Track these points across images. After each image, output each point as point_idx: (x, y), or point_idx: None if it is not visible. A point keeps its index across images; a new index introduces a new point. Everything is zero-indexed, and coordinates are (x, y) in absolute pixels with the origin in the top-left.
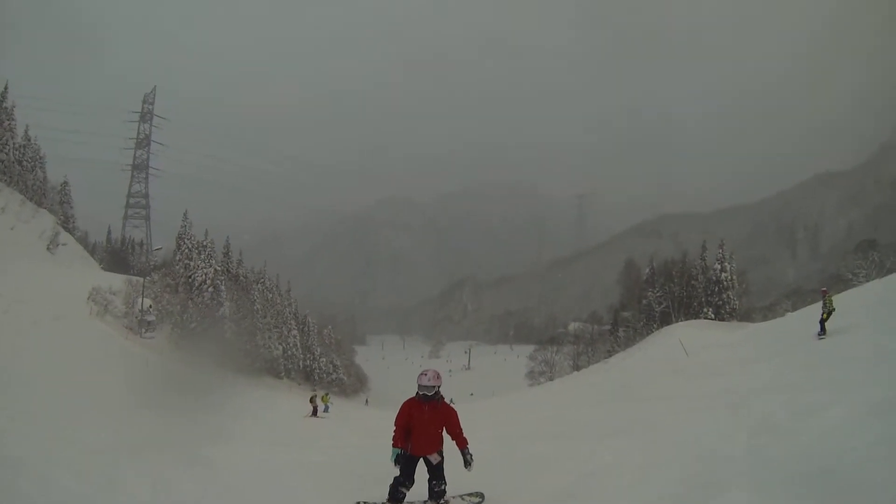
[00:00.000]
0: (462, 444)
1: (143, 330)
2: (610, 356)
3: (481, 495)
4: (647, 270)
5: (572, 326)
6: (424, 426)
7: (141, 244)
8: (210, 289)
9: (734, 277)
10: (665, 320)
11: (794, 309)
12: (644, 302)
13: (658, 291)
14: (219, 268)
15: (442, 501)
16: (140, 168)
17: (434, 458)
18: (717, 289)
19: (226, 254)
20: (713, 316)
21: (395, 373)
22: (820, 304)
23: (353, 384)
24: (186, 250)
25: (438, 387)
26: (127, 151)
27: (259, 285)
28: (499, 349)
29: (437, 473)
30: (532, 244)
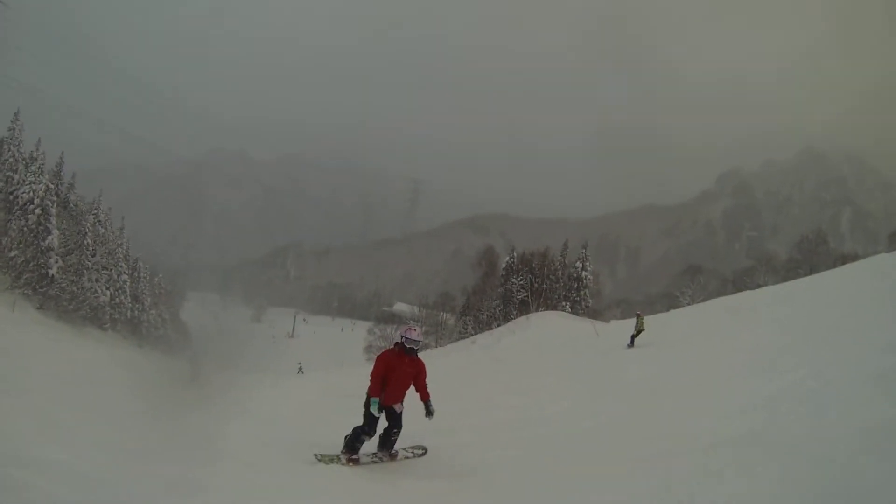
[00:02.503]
0: (426, 396)
1: None
2: (463, 337)
3: (424, 448)
4: (508, 259)
5: (398, 307)
6: (402, 377)
7: None
8: (38, 210)
9: (591, 278)
10: (524, 309)
11: (624, 315)
12: (505, 287)
13: (521, 279)
14: (51, 185)
15: (393, 451)
16: None
17: (399, 408)
18: (576, 285)
19: (57, 173)
20: (570, 310)
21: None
22: (634, 321)
23: (179, 341)
24: (11, 160)
25: (420, 342)
26: None
27: (92, 216)
28: (320, 320)
29: (398, 422)
30: (361, 221)
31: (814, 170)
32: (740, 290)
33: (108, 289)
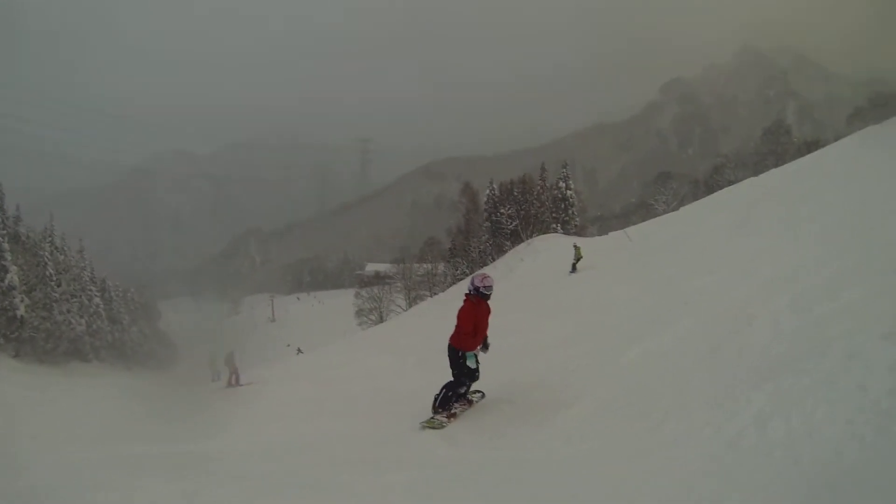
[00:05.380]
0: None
1: None
2: (460, 279)
3: (482, 393)
4: (488, 191)
5: (370, 267)
6: (485, 324)
7: None
8: None
9: (576, 196)
10: (515, 237)
11: (600, 232)
12: (493, 220)
13: (510, 209)
14: None
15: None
16: None
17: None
18: (563, 205)
19: (0, 207)
20: (561, 230)
21: (203, 335)
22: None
23: (167, 354)
24: None
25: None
26: None
27: (48, 245)
28: (297, 298)
29: (477, 369)
30: (310, 192)
31: (754, 69)
32: (713, 190)
33: (82, 317)
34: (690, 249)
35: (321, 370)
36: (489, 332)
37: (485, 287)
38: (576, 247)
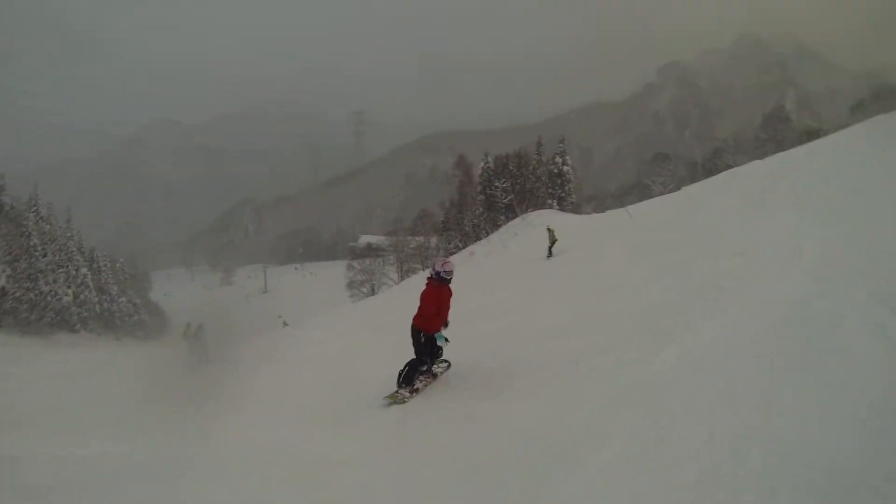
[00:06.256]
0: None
1: None
2: (452, 253)
3: (448, 363)
4: (483, 164)
5: (363, 239)
6: (446, 306)
7: None
8: None
9: (572, 172)
10: (510, 212)
11: (596, 210)
12: (487, 193)
13: (505, 182)
14: None
15: (434, 372)
16: None
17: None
18: (559, 181)
19: None
20: (557, 207)
21: (193, 305)
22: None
23: (156, 324)
24: None
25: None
26: None
27: (32, 215)
28: (287, 269)
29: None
30: (308, 164)
31: (753, 56)
32: (711, 173)
33: (69, 287)
34: (702, 230)
35: (296, 348)
36: (450, 315)
37: (445, 272)
38: (549, 230)
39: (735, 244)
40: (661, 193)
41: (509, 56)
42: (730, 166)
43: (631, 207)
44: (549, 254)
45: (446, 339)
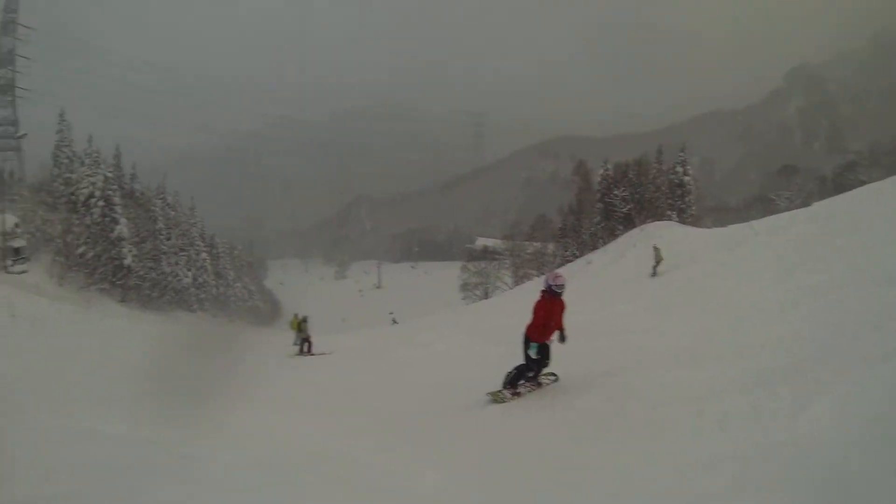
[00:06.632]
0: (562, 326)
1: (10, 261)
2: (568, 261)
3: (556, 376)
4: (602, 171)
5: (480, 242)
6: (556, 318)
7: (11, 174)
8: (101, 203)
9: (693, 182)
10: (628, 222)
11: (717, 224)
12: (606, 201)
13: (624, 191)
14: (109, 175)
15: (538, 381)
16: (4, 90)
17: (550, 343)
18: (679, 192)
19: (116, 165)
20: (676, 219)
21: (307, 296)
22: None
23: (268, 311)
24: (65, 160)
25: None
26: None
27: (160, 201)
28: (402, 267)
29: (548, 353)
30: (425, 163)
31: (890, 57)
32: (842, 189)
33: (189, 269)
34: (843, 250)
35: (395, 347)
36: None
37: (556, 285)
38: (656, 248)
39: (891, 269)
40: (787, 209)
41: (627, 59)
42: (863, 182)
43: (756, 223)
44: (654, 273)
45: (538, 353)
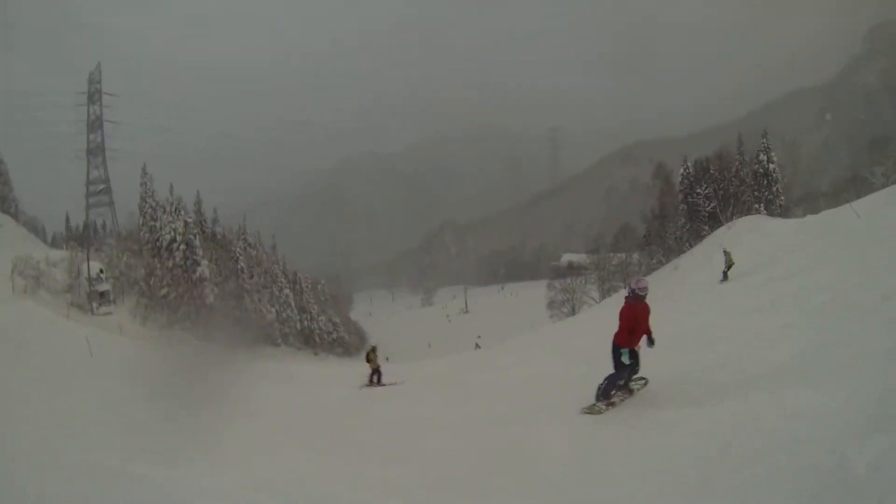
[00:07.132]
0: (649, 331)
1: (96, 304)
2: (654, 269)
3: (646, 380)
4: (682, 171)
5: (566, 258)
6: (644, 322)
7: (104, 226)
8: (182, 246)
9: (779, 169)
10: (714, 221)
11: (805, 213)
12: (689, 202)
13: (707, 188)
14: (190, 220)
15: (630, 388)
16: (95, 152)
17: (639, 348)
18: (765, 182)
19: (197, 210)
20: (765, 211)
21: (394, 324)
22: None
23: (354, 342)
24: (149, 210)
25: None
26: (81, 137)
27: (241, 242)
28: (489, 290)
29: (637, 358)
30: (503, 183)
31: None
32: None
33: (272, 306)
34: None
35: (470, 373)
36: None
37: (639, 289)
38: (726, 252)
39: None
40: (884, 185)
41: (698, 48)
42: None
43: (857, 203)
44: (724, 277)
45: (637, 356)
